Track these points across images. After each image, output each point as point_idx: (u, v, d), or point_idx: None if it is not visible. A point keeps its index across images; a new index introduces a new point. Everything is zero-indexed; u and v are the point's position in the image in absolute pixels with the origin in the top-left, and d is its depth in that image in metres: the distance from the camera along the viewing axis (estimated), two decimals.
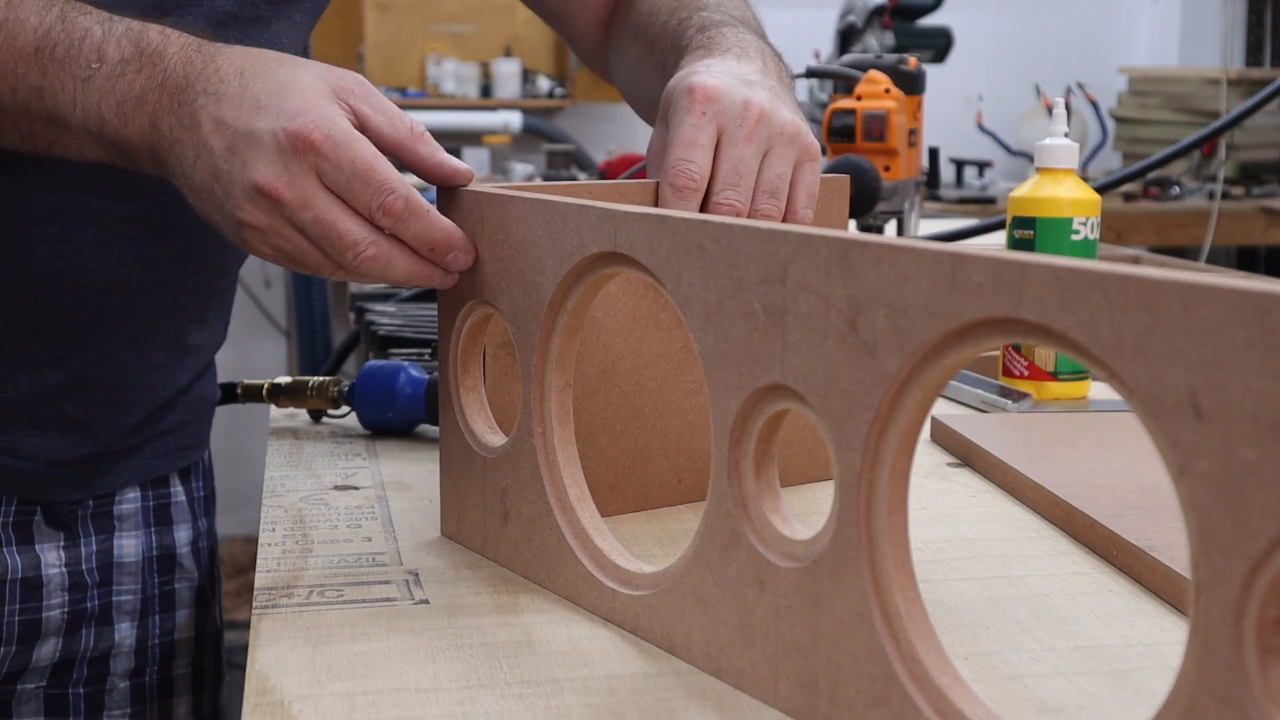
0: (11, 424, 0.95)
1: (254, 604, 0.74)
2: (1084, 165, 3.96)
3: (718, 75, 0.83)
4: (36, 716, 1.01)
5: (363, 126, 0.74)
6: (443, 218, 0.76)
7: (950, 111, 4.20)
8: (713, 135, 0.82)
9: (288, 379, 1.11)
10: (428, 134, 0.77)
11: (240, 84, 0.73)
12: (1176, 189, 3.55)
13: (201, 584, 1.10)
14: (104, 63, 0.76)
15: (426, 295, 1.62)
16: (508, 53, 4.25)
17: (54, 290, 0.92)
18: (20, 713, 1.01)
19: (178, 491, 1.08)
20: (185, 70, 0.74)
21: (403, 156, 0.76)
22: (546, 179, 3.42)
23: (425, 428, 1.09)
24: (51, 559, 0.99)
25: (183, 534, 1.08)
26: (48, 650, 1.00)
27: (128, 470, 1.03)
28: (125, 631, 1.04)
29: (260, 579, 0.78)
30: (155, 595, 1.06)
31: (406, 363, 1.08)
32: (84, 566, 1.01)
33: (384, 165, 0.73)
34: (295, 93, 0.72)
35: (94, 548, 1.02)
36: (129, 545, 1.04)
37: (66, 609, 1.00)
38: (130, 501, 1.04)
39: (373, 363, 1.09)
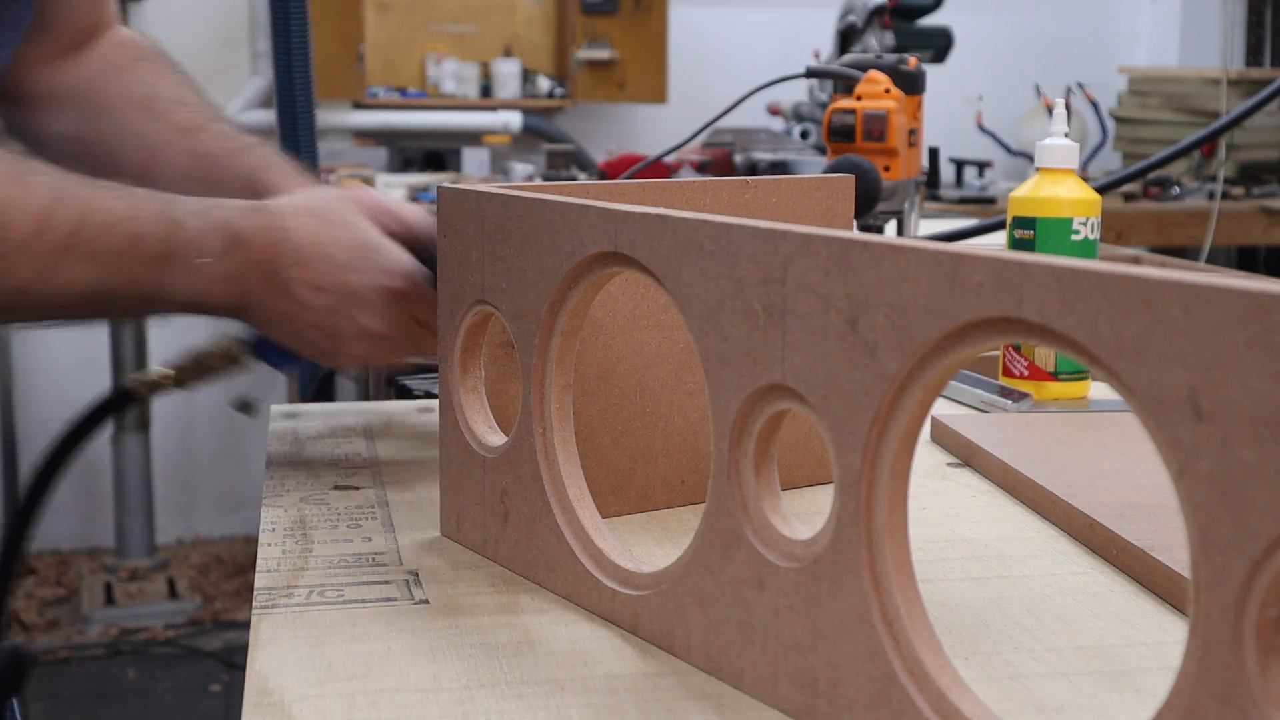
0: None
1: (254, 604, 0.74)
2: (1084, 165, 3.96)
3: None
4: None
5: (408, 224, 0.96)
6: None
7: (950, 111, 4.20)
8: None
9: (180, 357, 1.07)
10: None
11: (321, 251, 0.92)
12: (1176, 189, 3.54)
13: None
14: (205, 255, 0.92)
15: None
16: (508, 53, 4.25)
17: None
18: None
19: None
20: (269, 252, 0.91)
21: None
22: (546, 179, 3.42)
23: None
24: None
25: None
26: None
27: None
28: None
29: (260, 579, 0.78)
30: None
31: None
32: None
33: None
34: (371, 250, 0.93)
35: None
36: None
37: None
38: None
39: None
